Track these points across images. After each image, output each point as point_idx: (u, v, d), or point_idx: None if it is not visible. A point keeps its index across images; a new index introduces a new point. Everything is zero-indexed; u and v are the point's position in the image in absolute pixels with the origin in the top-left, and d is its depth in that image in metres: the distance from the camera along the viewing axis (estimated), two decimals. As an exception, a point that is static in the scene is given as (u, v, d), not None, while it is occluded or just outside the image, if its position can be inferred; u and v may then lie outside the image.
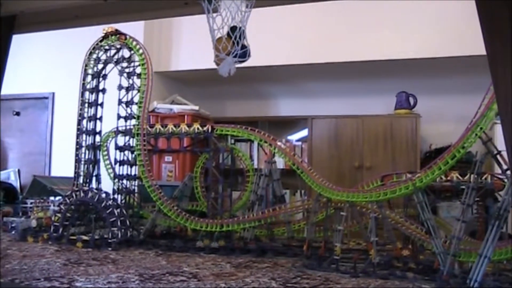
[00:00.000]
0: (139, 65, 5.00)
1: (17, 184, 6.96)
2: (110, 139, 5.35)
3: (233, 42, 2.30)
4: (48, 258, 3.93)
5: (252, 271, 3.63)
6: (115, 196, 4.94)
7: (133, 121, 4.98)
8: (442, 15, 5.54)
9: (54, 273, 3.34)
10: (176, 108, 6.34)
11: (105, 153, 5.41)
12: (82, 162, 5.11)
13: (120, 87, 4.99)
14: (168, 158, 6.22)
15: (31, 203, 5.69)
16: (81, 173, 5.11)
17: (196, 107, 6.39)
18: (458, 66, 5.90)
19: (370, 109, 6.36)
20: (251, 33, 2.40)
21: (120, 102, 5.00)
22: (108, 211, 4.56)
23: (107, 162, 5.39)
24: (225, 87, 7.20)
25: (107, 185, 5.14)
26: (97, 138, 5.17)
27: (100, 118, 5.15)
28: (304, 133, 6.65)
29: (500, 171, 3.47)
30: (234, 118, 6.50)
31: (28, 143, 7.27)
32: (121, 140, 5.05)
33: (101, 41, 5.10)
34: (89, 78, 5.18)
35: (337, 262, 3.70)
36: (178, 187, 5.05)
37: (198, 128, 4.89)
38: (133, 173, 5.00)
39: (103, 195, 4.69)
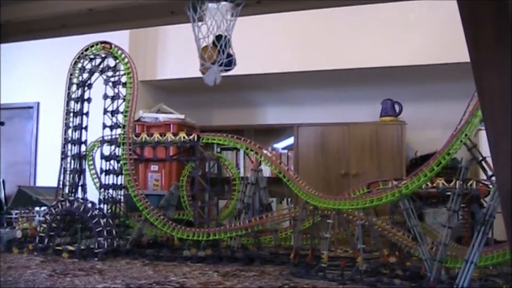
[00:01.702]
0: (124, 74, 4.98)
1: (1, 195, 6.89)
2: (95, 148, 5.33)
3: (219, 51, 2.30)
4: (33, 269, 3.90)
5: (240, 279, 3.63)
6: (101, 205, 4.90)
7: (119, 131, 4.96)
8: (427, 22, 5.59)
9: (40, 284, 3.32)
10: (162, 117, 6.33)
11: (91, 162, 5.39)
12: (68, 172, 5.08)
13: (105, 96, 4.97)
14: (154, 167, 6.20)
15: (16, 213, 5.64)
16: (67, 183, 5.08)
17: (182, 116, 6.38)
18: (443, 73, 5.96)
19: (355, 116, 6.38)
20: (237, 41, 2.40)
21: (105, 111, 4.98)
22: (94, 221, 4.53)
23: (93, 171, 5.37)
24: (211, 95, 7.20)
25: (93, 195, 5.11)
26: (83, 147, 5.14)
27: (86, 128, 5.12)
28: (290, 141, 6.66)
29: (485, 177, 3.50)
30: (220, 127, 6.50)
31: (13, 153, 7.21)
32: (106, 150, 5.03)
33: (86, 50, 5.08)
34: (74, 87, 5.16)
35: (325, 269, 3.70)
36: (164, 196, 5.04)
37: (184, 137, 4.88)
38: (119, 183, 4.98)
39: (89, 205, 4.66)
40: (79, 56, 5.13)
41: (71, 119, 5.13)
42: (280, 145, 6.94)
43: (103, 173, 4.96)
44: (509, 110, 1.20)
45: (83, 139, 5.12)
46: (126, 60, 4.97)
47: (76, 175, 5.08)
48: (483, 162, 3.42)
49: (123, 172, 4.87)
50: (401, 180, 3.71)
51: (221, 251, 4.51)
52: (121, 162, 4.90)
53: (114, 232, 4.65)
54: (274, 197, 6.17)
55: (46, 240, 4.68)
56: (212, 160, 5.17)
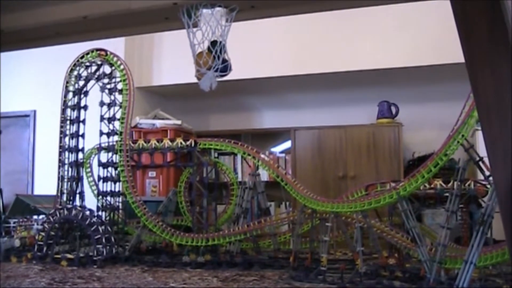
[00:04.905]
0: (120, 80, 4.98)
1: (-1, 204, 6.88)
2: (93, 155, 5.32)
3: (214, 57, 2.30)
4: (32, 278, 3.89)
5: (239, 284, 3.62)
6: (99, 213, 4.90)
7: (116, 137, 4.96)
8: (422, 24, 5.59)
9: (39, 293, 3.31)
10: (158, 123, 6.33)
11: (88, 170, 5.38)
12: (65, 180, 5.07)
13: (101, 103, 4.97)
14: (152, 173, 6.20)
15: (14, 222, 5.62)
16: (65, 191, 5.07)
17: (179, 122, 6.38)
18: (439, 75, 5.96)
19: (352, 119, 6.38)
20: (232, 46, 2.40)
21: (102, 118, 4.98)
22: (92, 229, 4.52)
23: (91, 179, 5.36)
24: (207, 100, 7.20)
25: (91, 202, 5.10)
26: (80, 155, 5.14)
27: (83, 135, 5.12)
28: (287, 144, 6.66)
29: (482, 177, 3.51)
30: (217, 132, 6.50)
31: (10, 162, 7.19)
32: (104, 157, 5.03)
33: (81, 57, 5.08)
34: (70, 95, 5.16)
35: (324, 272, 3.70)
36: (163, 202, 5.03)
37: (181, 143, 4.88)
38: (117, 190, 4.97)
39: (87, 213, 4.65)
40: (75, 64, 5.13)
41: (67, 127, 5.13)
42: (277, 149, 6.94)
43: (101, 180, 4.95)
44: (505, 109, 1.20)
45: (80, 146, 5.12)
46: (121, 67, 4.97)
47: (74, 183, 5.07)
48: (480, 162, 3.42)
49: (121, 179, 4.87)
50: (399, 182, 3.71)
51: (220, 256, 4.50)
52: (118, 169, 4.90)
53: (112, 239, 4.64)
54: (272, 201, 6.17)
55: (44, 249, 4.66)
56: (210, 166, 5.16)
